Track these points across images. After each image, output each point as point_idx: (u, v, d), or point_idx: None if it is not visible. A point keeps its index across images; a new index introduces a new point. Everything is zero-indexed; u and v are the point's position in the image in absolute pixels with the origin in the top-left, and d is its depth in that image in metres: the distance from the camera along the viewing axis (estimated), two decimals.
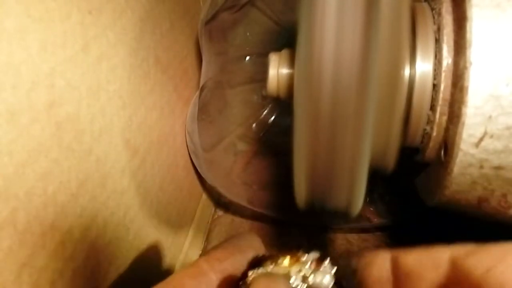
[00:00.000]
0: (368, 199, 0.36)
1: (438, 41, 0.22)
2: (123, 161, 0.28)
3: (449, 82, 0.21)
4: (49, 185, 0.21)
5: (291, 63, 0.24)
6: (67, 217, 0.22)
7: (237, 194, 0.40)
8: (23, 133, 0.19)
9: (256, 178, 0.39)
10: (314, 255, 0.21)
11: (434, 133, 0.22)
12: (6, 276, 0.18)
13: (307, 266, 0.20)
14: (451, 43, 0.21)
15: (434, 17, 0.23)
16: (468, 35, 0.20)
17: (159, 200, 0.33)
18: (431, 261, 0.20)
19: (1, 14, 0.18)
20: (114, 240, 0.27)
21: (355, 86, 0.18)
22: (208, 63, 0.39)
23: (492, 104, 0.19)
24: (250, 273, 0.20)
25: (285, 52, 0.25)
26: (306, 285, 0.20)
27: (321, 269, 0.20)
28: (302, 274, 0.20)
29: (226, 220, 0.46)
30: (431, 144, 0.23)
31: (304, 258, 0.20)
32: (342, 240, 0.41)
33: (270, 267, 0.20)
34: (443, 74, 0.21)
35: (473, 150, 0.20)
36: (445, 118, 0.22)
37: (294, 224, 0.42)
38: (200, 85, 0.39)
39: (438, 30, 0.22)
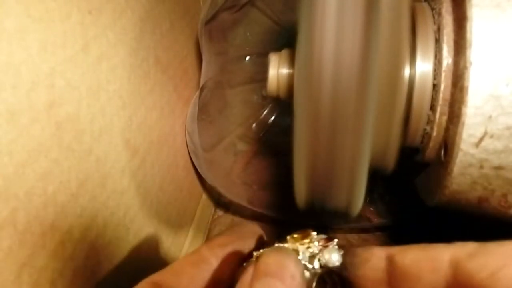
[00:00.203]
0: (368, 199, 0.36)
1: (438, 41, 0.22)
2: (123, 161, 0.28)
3: (449, 82, 0.21)
4: (49, 185, 0.21)
5: (291, 63, 0.24)
6: (67, 217, 0.22)
7: (237, 194, 0.40)
8: (23, 133, 0.19)
9: (256, 178, 0.39)
10: (321, 235, 0.20)
11: (434, 133, 0.22)
12: (6, 276, 0.18)
13: (315, 243, 0.20)
14: (451, 43, 0.21)
15: (434, 17, 0.23)
16: (468, 35, 0.20)
17: (159, 200, 0.33)
18: (430, 262, 0.19)
19: (1, 14, 0.18)
20: (114, 240, 0.27)
21: (355, 86, 0.18)
22: (208, 63, 0.39)
23: (492, 104, 0.19)
24: (255, 253, 0.20)
25: (285, 52, 0.25)
26: (314, 262, 0.20)
27: (330, 247, 0.20)
28: (310, 251, 0.20)
29: (226, 220, 0.46)
30: (431, 144, 0.23)
31: (312, 236, 0.20)
32: (342, 240, 0.41)
33: (277, 245, 0.20)
34: (443, 74, 0.21)
35: (473, 150, 0.20)
36: (445, 118, 0.22)
37: (294, 224, 0.42)
38: (200, 85, 0.39)
39: (438, 30, 0.22)
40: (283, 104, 0.26)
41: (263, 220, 0.44)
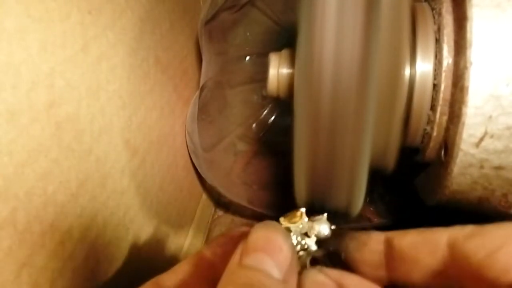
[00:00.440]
0: (368, 199, 0.36)
1: (438, 41, 0.22)
2: (123, 161, 0.28)
3: (450, 82, 0.21)
4: (49, 185, 0.21)
5: (291, 63, 0.24)
6: (67, 217, 0.22)
7: (237, 194, 0.40)
8: (23, 133, 0.19)
9: (256, 178, 0.39)
10: (308, 214, 0.21)
11: (435, 133, 0.22)
12: (6, 276, 0.18)
13: (305, 219, 0.20)
14: (452, 43, 0.21)
15: (434, 17, 0.23)
16: (468, 35, 0.20)
17: (159, 200, 0.33)
18: (427, 245, 0.19)
19: (1, 14, 0.18)
20: (114, 240, 0.27)
21: (355, 86, 0.18)
22: (208, 63, 0.39)
23: (492, 104, 0.19)
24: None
25: (285, 52, 0.25)
26: (306, 238, 0.20)
27: (318, 219, 0.20)
28: (301, 227, 0.20)
29: (226, 220, 0.46)
30: (431, 144, 0.23)
31: (302, 213, 0.20)
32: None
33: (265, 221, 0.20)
34: (443, 74, 0.21)
35: (473, 150, 0.20)
36: (445, 118, 0.22)
37: None
38: (200, 85, 0.39)
39: (439, 30, 0.22)
40: (283, 104, 0.26)
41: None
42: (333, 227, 0.20)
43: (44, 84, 0.20)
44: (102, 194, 0.25)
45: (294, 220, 0.20)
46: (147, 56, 0.31)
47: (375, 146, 0.20)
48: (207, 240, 0.44)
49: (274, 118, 0.39)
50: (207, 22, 0.38)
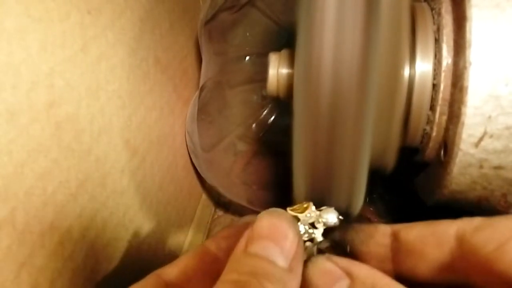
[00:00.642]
0: (367, 199, 0.36)
1: (437, 41, 0.22)
2: (122, 161, 0.28)
3: (449, 82, 0.21)
4: (48, 185, 0.21)
5: (291, 63, 0.24)
6: (67, 217, 0.22)
7: (237, 194, 0.40)
8: (23, 133, 0.19)
9: (256, 178, 0.39)
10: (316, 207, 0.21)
11: (434, 133, 0.22)
12: (5, 276, 0.18)
13: (313, 209, 0.20)
14: (451, 43, 0.21)
15: (433, 17, 0.23)
16: (467, 35, 0.20)
17: (159, 200, 0.33)
18: (435, 237, 0.19)
19: (1, 14, 0.18)
20: (114, 240, 0.27)
21: (354, 86, 0.18)
22: (207, 63, 0.39)
23: (491, 104, 0.19)
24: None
25: (284, 52, 0.25)
26: (314, 227, 0.20)
27: (325, 209, 0.20)
28: (309, 218, 0.20)
29: (226, 220, 0.46)
30: (431, 144, 0.23)
31: (310, 206, 0.20)
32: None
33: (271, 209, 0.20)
34: (442, 74, 0.21)
35: (472, 150, 0.20)
36: (444, 118, 0.22)
37: None
38: (200, 85, 0.39)
39: (438, 30, 0.22)
40: (283, 104, 0.26)
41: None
42: (340, 217, 0.20)
43: (44, 84, 0.20)
44: (102, 194, 0.25)
45: (301, 209, 0.20)
46: (147, 56, 0.31)
47: (375, 146, 0.20)
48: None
49: (274, 118, 0.39)
50: (207, 22, 0.38)
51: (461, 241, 0.18)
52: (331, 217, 0.20)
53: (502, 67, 0.19)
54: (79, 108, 0.23)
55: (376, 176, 0.22)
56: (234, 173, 0.39)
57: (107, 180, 0.26)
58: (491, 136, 0.20)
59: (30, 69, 0.19)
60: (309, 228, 0.20)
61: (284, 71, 0.24)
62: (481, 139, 0.20)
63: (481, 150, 0.20)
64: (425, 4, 0.24)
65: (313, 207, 0.20)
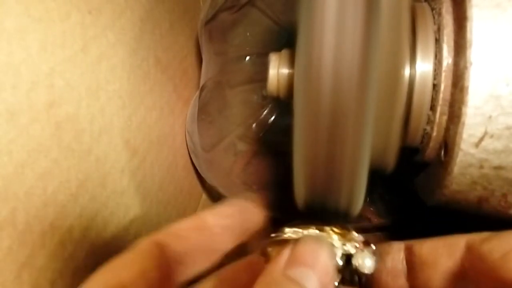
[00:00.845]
0: (368, 199, 0.36)
1: (438, 41, 0.22)
2: (122, 161, 0.28)
3: (449, 82, 0.21)
4: (48, 185, 0.21)
5: (291, 63, 0.24)
6: (67, 217, 0.22)
7: (237, 194, 0.40)
8: (23, 133, 0.19)
9: (256, 178, 0.39)
10: (361, 237, 0.20)
11: (434, 133, 0.22)
12: (6, 276, 0.18)
13: (352, 243, 0.20)
14: (451, 43, 0.21)
15: (434, 17, 0.23)
16: (468, 35, 0.20)
17: (159, 200, 0.33)
18: (447, 248, 0.19)
19: (1, 14, 0.18)
20: (114, 240, 0.27)
21: (355, 86, 0.18)
22: (208, 63, 0.39)
23: (492, 104, 0.19)
24: (287, 229, 0.20)
25: (285, 52, 0.25)
26: (344, 261, 0.19)
27: (365, 251, 0.20)
28: (345, 248, 0.20)
29: None
30: (431, 144, 0.23)
31: (352, 235, 0.20)
32: None
33: (312, 230, 0.20)
34: (443, 74, 0.21)
35: (473, 150, 0.20)
36: (445, 118, 0.22)
37: (294, 224, 0.42)
38: (200, 85, 0.39)
39: (438, 30, 0.22)
40: (283, 104, 0.26)
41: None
42: (375, 258, 0.20)
43: (44, 84, 0.20)
44: (102, 194, 0.25)
45: (341, 237, 0.20)
46: (147, 56, 0.31)
47: (375, 146, 0.20)
48: None
49: (274, 118, 0.39)
50: (207, 22, 0.38)
51: (470, 250, 0.18)
52: (368, 262, 0.19)
53: (503, 67, 0.19)
54: (79, 108, 0.23)
55: (376, 176, 0.22)
56: (234, 173, 0.39)
57: (107, 180, 0.26)
58: (491, 136, 0.20)
59: (30, 69, 0.19)
60: (340, 258, 0.19)
61: (285, 71, 0.24)
62: (481, 139, 0.20)
63: (481, 150, 0.20)
64: (425, 4, 0.23)
65: (353, 242, 0.20)
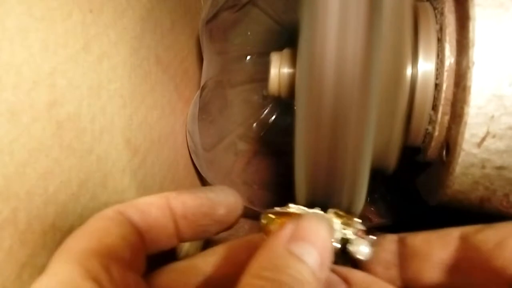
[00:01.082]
0: (369, 198, 0.36)
1: (440, 41, 0.22)
2: (123, 160, 0.28)
3: (452, 81, 0.21)
4: (50, 185, 0.21)
5: (293, 62, 0.24)
6: (68, 216, 0.22)
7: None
8: (24, 133, 0.19)
9: (257, 178, 0.39)
10: (362, 226, 0.21)
11: (436, 133, 0.22)
12: (7, 276, 0.18)
13: (352, 229, 0.20)
14: (454, 42, 0.21)
15: (436, 17, 0.23)
16: (470, 34, 0.20)
17: None
18: (440, 239, 0.20)
19: (3, 13, 0.18)
20: None
21: (357, 85, 0.18)
22: (208, 62, 0.39)
23: (494, 104, 0.19)
24: (291, 205, 0.21)
25: (286, 52, 0.24)
26: (343, 245, 0.20)
27: (365, 239, 0.20)
28: (344, 232, 0.20)
29: None
30: (433, 143, 0.23)
31: (355, 222, 0.20)
32: None
33: (317, 210, 0.20)
34: (445, 74, 0.21)
35: (475, 150, 0.20)
36: (447, 117, 0.22)
37: None
38: (201, 85, 0.39)
39: (441, 30, 0.22)
40: (284, 103, 0.26)
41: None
42: (373, 249, 0.20)
43: (45, 84, 0.20)
44: (103, 193, 0.25)
45: (344, 221, 0.20)
46: (148, 55, 0.31)
47: (377, 145, 0.20)
48: (207, 240, 0.44)
49: (275, 118, 0.39)
50: (208, 21, 0.38)
51: (464, 240, 0.19)
52: (364, 249, 0.20)
53: (506, 66, 0.19)
54: (81, 108, 0.23)
55: (377, 175, 0.22)
56: (235, 172, 0.39)
57: (108, 179, 0.26)
58: (493, 136, 0.20)
59: (31, 68, 0.19)
60: (338, 241, 0.20)
61: (286, 70, 0.24)
62: (483, 139, 0.20)
63: (483, 150, 0.20)
64: (427, 4, 0.23)
65: (353, 229, 0.20)
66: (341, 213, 0.21)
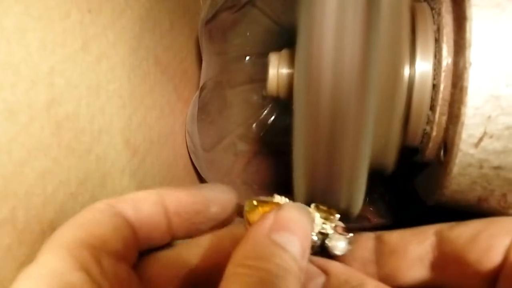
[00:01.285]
0: (367, 199, 0.36)
1: (437, 41, 0.22)
2: (123, 160, 0.28)
3: (449, 82, 0.21)
4: (48, 184, 0.21)
5: (291, 63, 0.24)
6: (67, 216, 0.22)
7: (237, 194, 0.40)
8: (23, 132, 0.19)
9: (257, 178, 0.39)
10: (341, 223, 0.21)
11: (434, 133, 0.22)
12: (5, 275, 0.18)
13: (332, 224, 0.21)
14: (451, 43, 0.21)
15: (433, 17, 0.23)
16: (467, 35, 0.20)
17: None
18: (415, 236, 0.20)
19: (1, 12, 0.18)
20: None
21: (355, 86, 0.18)
22: (208, 63, 0.39)
23: (492, 104, 0.19)
24: (276, 195, 0.21)
25: (285, 52, 0.25)
26: (319, 238, 0.20)
27: (343, 236, 0.20)
28: (324, 226, 0.20)
29: None
30: (431, 144, 0.23)
31: (335, 218, 0.21)
32: None
33: (299, 203, 0.21)
34: (442, 74, 0.21)
35: (472, 150, 0.20)
36: (444, 118, 0.22)
37: None
38: (200, 85, 0.39)
39: (438, 30, 0.22)
40: (283, 104, 0.26)
41: None
42: (350, 247, 0.21)
43: (44, 83, 0.20)
44: (102, 193, 0.25)
45: (324, 215, 0.21)
46: (147, 55, 0.31)
47: (375, 146, 0.20)
48: None
49: (274, 118, 0.39)
50: (207, 22, 0.38)
51: (439, 236, 0.19)
52: (341, 244, 0.20)
53: (503, 67, 0.19)
54: (79, 107, 0.23)
55: (375, 176, 0.22)
56: (235, 173, 0.39)
57: (107, 179, 0.26)
58: (491, 137, 0.20)
59: (29, 67, 0.19)
60: (316, 235, 0.20)
61: (285, 71, 0.24)
62: (481, 139, 0.20)
63: (481, 151, 0.20)
64: (425, 4, 0.24)
65: (333, 224, 0.21)
66: (322, 207, 0.21)
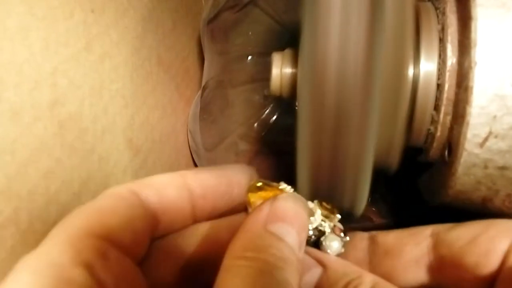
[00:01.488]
0: (370, 199, 0.36)
1: (442, 41, 0.22)
2: (125, 160, 0.28)
3: (454, 82, 0.21)
4: (51, 184, 0.21)
5: (295, 62, 0.24)
6: None
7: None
8: (26, 132, 0.19)
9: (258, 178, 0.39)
10: (340, 225, 0.21)
11: (438, 133, 0.22)
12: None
13: (330, 224, 0.20)
14: (456, 42, 0.21)
15: (438, 17, 0.22)
16: (472, 34, 0.20)
17: None
18: (412, 237, 0.20)
19: (4, 12, 0.18)
20: None
21: (359, 85, 0.18)
22: (210, 62, 0.39)
23: (497, 104, 0.19)
24: (283, 183, 0.21)
25: (288, 52, 0.24)
26: (316, 235, 0.20)
27: (339, 238, 0.20)
28: (322, 224, 0.20)
29: None
30: (435, 144, 0.23)
31: (335, 217, 0.21)
32: None
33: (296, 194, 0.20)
34: (447, 74, 0.21)
35: (477, 150, 0.20)
36: (449, 118, 0.22)
37: None
38: (202, 85, 0.39)
39: (442, 30, 0.22)
40: (285, 103, 0.26)
41: None
42: (343, 250, 0.20)
43: (47, 83, 0.20)
44: None
45: (325, 212, 0.21)
46: (150, 55, 0.31)
47: (379, 146, 0.20)
48: None
49: (276, 118, 0.39)
50: (209, 21, 0.38)
51: (436, 238, 0.19)
52: (335, 245, 0.20)
53: (508, 66, 0.19)
54: (82, 107, 0.23)
55: (379, 176, 0.22)
56: None
57: (110, 179, 0.26)
58: (496, 136, 0.20)
59: (33, 67, 0.19)
60: (312, 231, 0.20)
61: (288, 70, 0.24)
62: (486, 139, 0.20)
63: (486, 150, 0.20)
64: (429, 4, 0.23)
65: (332, 223, 0.21)
66: (325, 204, 0.21)
